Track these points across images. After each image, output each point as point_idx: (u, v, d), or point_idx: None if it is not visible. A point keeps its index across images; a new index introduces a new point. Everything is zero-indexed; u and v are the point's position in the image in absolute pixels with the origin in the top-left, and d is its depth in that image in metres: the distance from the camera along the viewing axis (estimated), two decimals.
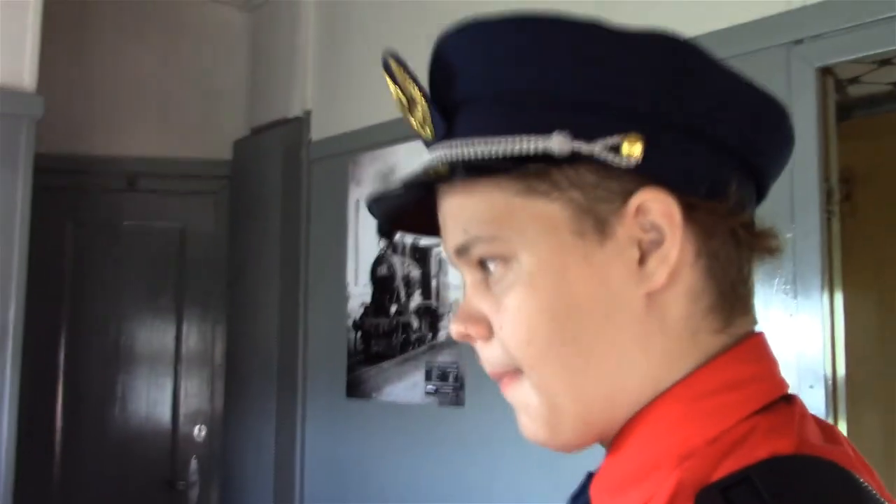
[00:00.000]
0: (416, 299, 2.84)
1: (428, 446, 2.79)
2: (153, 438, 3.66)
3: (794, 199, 1.93)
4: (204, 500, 3.61)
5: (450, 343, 2.69)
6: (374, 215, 0.69)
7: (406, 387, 2.84)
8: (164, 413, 3.68)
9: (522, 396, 0.64)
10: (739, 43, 2.05)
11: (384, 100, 3.22)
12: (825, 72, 1.98)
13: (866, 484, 0.55)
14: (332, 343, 3.17)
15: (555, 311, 0.61)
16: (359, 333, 3.05)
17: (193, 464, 3.60)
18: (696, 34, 2.06)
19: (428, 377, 2.75)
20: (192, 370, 3.72)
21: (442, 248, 0.69)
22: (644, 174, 0.60)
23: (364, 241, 3.08)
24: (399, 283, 2.90)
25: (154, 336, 3.73)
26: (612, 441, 0.63)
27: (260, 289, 3.46)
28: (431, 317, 2.77)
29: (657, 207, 0.60)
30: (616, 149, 0.59)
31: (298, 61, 3.45)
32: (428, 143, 0.67)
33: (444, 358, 2.71)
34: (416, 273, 2.85)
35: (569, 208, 0.61)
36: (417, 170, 0.65)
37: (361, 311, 3.05)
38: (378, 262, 3.00)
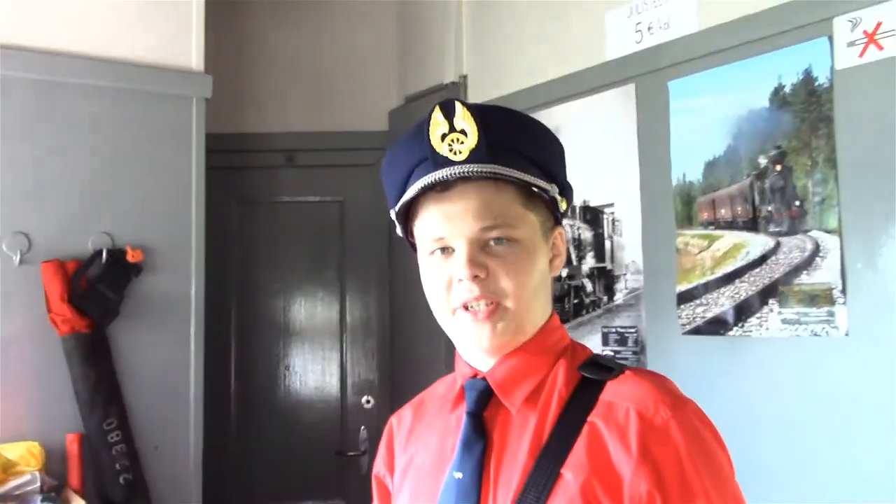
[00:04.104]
0: (589, 261, 2.77)
1: None
2: (323, 408, 3.73)
3: None
4: None
5: (628, 306, 2.60)
6: (413, 182, 1.12)
7: None
8: (332, 383, 3.75)
9: (500, 317, 1.09)
10: None
11: (542, 60, 3.13)
12: None
13: None
14: None
15: (532, 273, 1.11)
16: None
17: (363, 433, 3.65)
18: None
19: (605, 341, 2.68)
20: (357, 340, 3.77)
21: (456, 221, 1.09)
22: (557, 216, 1.19)
23: None
24: (570, 245, 2.83)
25: (319, 307, 3.79)
26: (516, 349, 1.13)
27: None
28: (606, 279, 2.69)
29: (560, 238, 1.19)
30: (557, 201, 1.17)
31: (452, 26, 3.40)
32: (442, 161, 1.10)
33: (621, 321, 2.62)
34: (587, 235, 2.77)
35: (538, 220, 1.14)
36: (465, 169, 1.09)
37: None
38: None
